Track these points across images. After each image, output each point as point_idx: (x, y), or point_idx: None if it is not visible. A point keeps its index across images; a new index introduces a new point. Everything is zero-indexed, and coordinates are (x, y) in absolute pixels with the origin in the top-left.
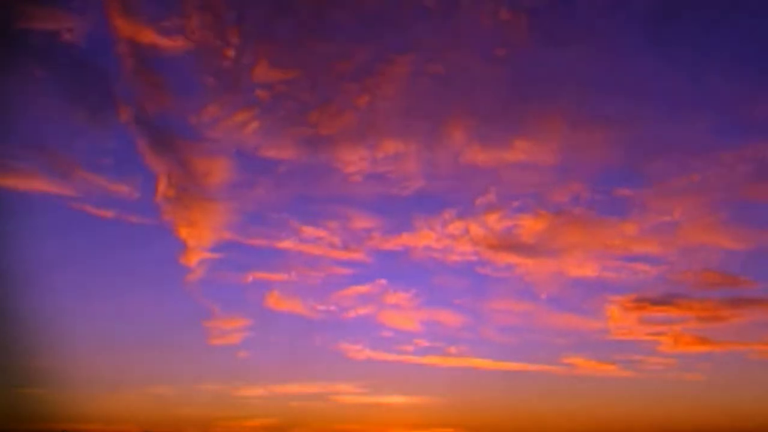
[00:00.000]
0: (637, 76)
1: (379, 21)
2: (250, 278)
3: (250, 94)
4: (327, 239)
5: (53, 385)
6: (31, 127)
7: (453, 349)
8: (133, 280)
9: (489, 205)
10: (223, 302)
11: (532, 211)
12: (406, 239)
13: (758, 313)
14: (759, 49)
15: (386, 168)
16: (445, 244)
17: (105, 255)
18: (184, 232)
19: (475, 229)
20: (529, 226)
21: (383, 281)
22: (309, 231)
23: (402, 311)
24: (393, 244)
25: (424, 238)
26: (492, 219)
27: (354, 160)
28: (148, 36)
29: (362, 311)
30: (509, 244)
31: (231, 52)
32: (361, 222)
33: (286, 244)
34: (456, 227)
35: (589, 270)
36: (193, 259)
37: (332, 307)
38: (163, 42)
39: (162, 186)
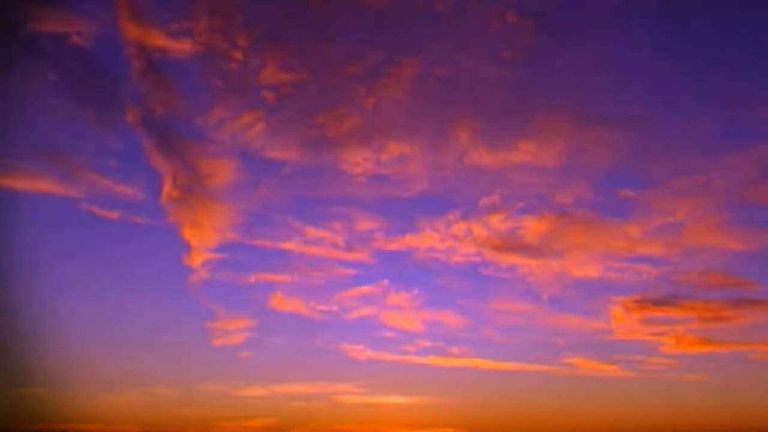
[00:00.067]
0: (641, 78)
1: (387, 24)
2: (253, 279)
3: (256, 96)
4: (330, 240)
5: (53, 385)
6: (38, 129)
7: (454, 350)
8: (137, 280)
9: (492, 206)
10: (226, 303)
11: (535, 213)
12: (409, 240)
13: (760, 314)
14: (763, 52)
15: (390, 169)
16: (448, 245)
17: (109, 255)
18: (188, 233)
19: (479, 230)
20: (533, 227)
21: (386, 282)
22: (312, 232)
23: (404, 312)
24: (396, 244)
25: (427, 239)
26: (495, 220)
27: (358, 162)
28: (157, 39)
29: (364, 312)
30: (512, 245)
31: (238, 55)
32: (365, 223)
33: (290, 244)
34: (459, 228)
35: (591, 271)
36: (197, 260)
37: (334, 308)
38: (171, 45)
39: (167, 187)
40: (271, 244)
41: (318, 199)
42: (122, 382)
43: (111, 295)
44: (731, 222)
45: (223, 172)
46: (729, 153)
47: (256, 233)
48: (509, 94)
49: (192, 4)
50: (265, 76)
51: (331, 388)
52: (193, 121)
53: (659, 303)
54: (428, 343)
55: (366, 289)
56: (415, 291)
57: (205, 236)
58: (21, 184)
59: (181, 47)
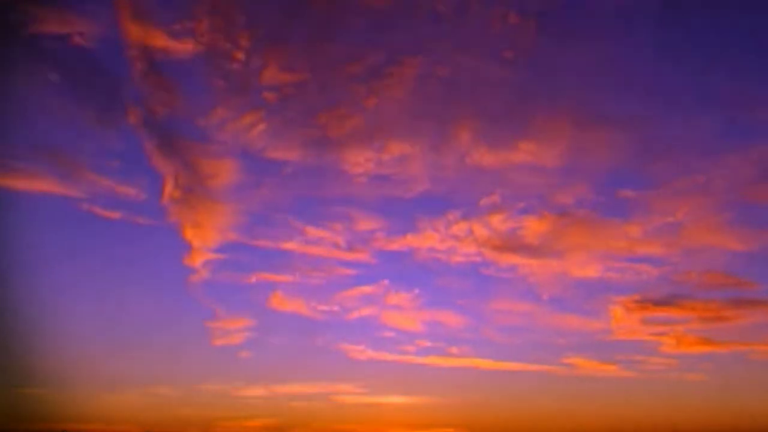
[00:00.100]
0: (642, 79)
1: (389, 24)
2: (253, 279)
3: (258, 97)
4: (331, 240)
5: (54, 385)
6: (40, 129)
7: (455, 350)
8: (138, 280)
9: (493, 206)
10: (227, 303)
11: (536, 213)
12: (410, 240)
13: (760, 314)
14: (764, 52)
15: (392, 169)
16: (449, 245)
17: (110, 256)
18: (189, 233)
19: (479, 230)
20: (533, 228)
21: (386, 282)
22: (314, 232)
23: (404, 312)
24: (397, 245)
25: (428, 239)
26: (496, 220)
27: (360, 162)
28: (159, 39)
29: (365, 312)
30: (513, 245)
31: (240, 55)
32: (366, 223)
33: (291, 245)
34: (460, 228)
35: (592, 271)
36: (198, 260)
37: (335, 308)
38: (173, 45)
39: (168, 187)
40: (272, 245)
41: (319, 200)
42: (123, 382)
43: (112, 295)
44: (731, 222)
45: (224, 172)
46: (729, 153)
47: (257, 233)
48: (510, 94)
49: (194, 5)
50: (267, 77)
51: (331, 388)
52: (195, 122)
53: (659, 303)
54: (429, 343)
55: (367, 289)
56: (416, 291)
57: (206, 236)
58: (22, 184)
59: (183, 48)
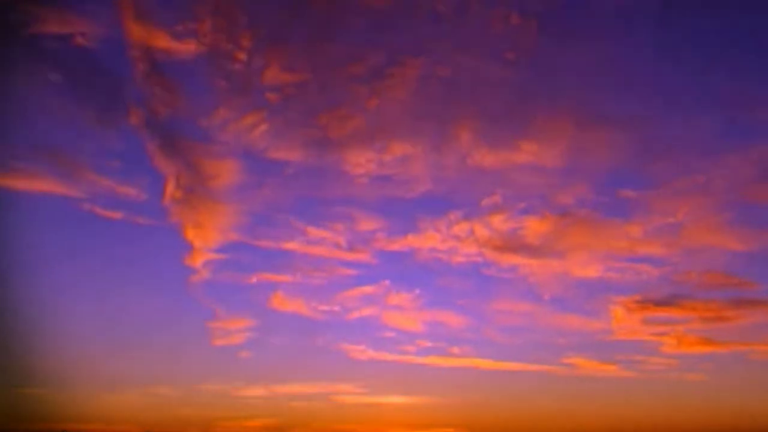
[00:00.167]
0: (642, 79)
1: (390, 24)
2: (254, 279)
3: (260, 97)
4: (332, 240)
5: (54, 385)
6: (42, 129)
7: (455, 350)
8: (139, 280)
9: (494, 206)
10: (228, 303)
11: (537, 213)
12: (411, 240)
13: (761, 314)
14: (764, 52)
15: (393, 170)
16: (450, 245)
17: (111, 256)
18: (190, 234)
19: (480, 231)
20: (534, 228)
21: (387, 282)
22: (315, 232)
23: (405, 312)
24: (398, 245)
25: (429, 240)
26: (497, 220)
27: (361, 162)
28: (161, 40)
29: (366, 312)
30: (514, 245)
31: (242, 56)
32: (367, 223)
33: (292, 245)
34: (461, 228)
35: (593, 271)
36: (199, 261)
37: (336, 308)
38: (176, 46)
39: (170, 188)
40: (274, 245)
41: (320, 200)
42: (123, 382)
43: (112, 295)
44: (732, 222)
45: (226, 172)
46: (729, 153)
47: (258, 233)
48: (511, 94)
49: (196, 5)
50: (269, 77)
51: (331, 388)
52: (197, 122)
53: (660, 303)
54: (429, 344)
55: (367, 289)
56: (417, 291)
57: (207, 237)
58: (24, 184)
59: (186, 48)
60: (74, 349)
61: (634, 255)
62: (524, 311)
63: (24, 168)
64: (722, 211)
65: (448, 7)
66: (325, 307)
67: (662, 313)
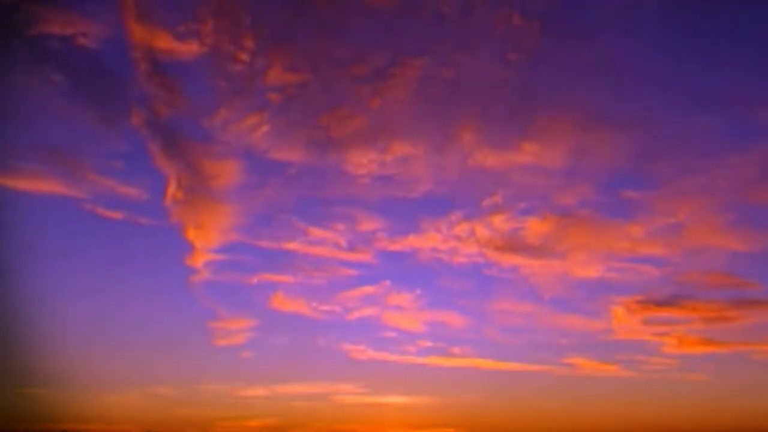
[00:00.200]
0: (643, 79)
1: (392, 25)
2: (255, 279)
3: (262, 97)
4: (334, 240)
5: (54, 385)
6: (44, 130)
7: (456, 350)
8: (140, 280)
9: (495, 206)
10: (229, 303)
11: (538, 213)
12: (412, 241)
13: (762, 315)
14: (764, 52)
15: (395, 170)
16: (451, 245)
17: (113, 255)
18: (191, 234)
19: (481, 231)
20: (535, 228)
21: (388, 282)
22: (316, 232)
23: (406, 312)
24: (399, 245)
25: (430, 240)
26: (498, 221)
27: (363, 163)
28: (163, 40)
29: (366, 312)
30: (515, 245)
31: (245, 56)
32: (368, 223)
33: (293, 245)
34: (462, 229)
35: (594, 271)
36: (200, 261)
37: (336, 308)
38: (178, 46)
39: (171, 188)
40: (275, 245)
41: (322, 200)
42: (123, 382)
43: (114, 294)
44: (733, 222)
45: (227, 173)
46: (730, 153)
47: (259, 234)
48: (513, 95)
49: (198, 6)
50: (271, 78)
51: (332, 388)
52: (199, 123)
53: (661, 303)
54: (430, 344)
55: (368, 289)
56: (418, 291)
57: (208, 237)
58: (25, 184)
59: (188, 49)
60: (74, 349)
61: (636, 255)
62: (525, 311)
63: (26, 168)
64: (723, 212)
65: (451, 8)
66: (325, 307)
67: (663, 314)
